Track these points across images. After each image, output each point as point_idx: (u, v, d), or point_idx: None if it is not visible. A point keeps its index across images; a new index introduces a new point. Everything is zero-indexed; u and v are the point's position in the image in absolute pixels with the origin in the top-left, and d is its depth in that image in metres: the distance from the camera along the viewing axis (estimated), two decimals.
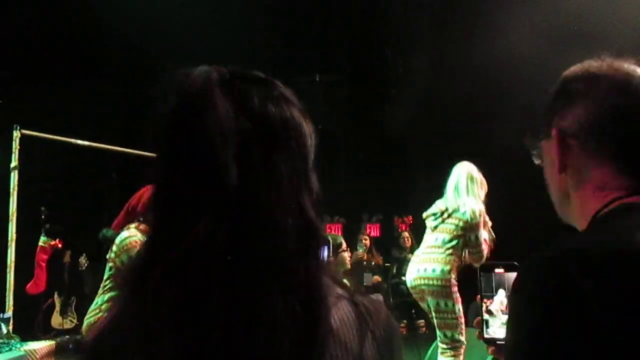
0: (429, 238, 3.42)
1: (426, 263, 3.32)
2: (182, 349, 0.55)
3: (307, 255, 0.60)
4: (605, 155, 0.73)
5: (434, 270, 3.26)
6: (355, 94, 8.85)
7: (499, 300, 0.81)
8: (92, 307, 2.65)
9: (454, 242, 3.27)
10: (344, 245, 3.54)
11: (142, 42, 6.30)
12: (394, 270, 6.83)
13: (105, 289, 2.63)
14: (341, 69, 8.75)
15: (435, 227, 3.37)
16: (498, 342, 0.80)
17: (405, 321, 6.44)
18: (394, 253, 7.05)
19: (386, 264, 6.89)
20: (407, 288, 6.63)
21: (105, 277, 2.65)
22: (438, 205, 3.40)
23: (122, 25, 6.01)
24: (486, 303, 0.81)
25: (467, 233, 3.25)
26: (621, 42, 4.47)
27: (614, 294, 0.57)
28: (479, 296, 0.83)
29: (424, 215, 3.47)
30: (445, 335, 3.25)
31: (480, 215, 3.25)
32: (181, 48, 6.69)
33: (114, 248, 2.57)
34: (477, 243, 3.23)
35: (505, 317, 0.80)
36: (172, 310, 0.55)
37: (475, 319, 0.83)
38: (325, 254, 1.10)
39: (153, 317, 0.55)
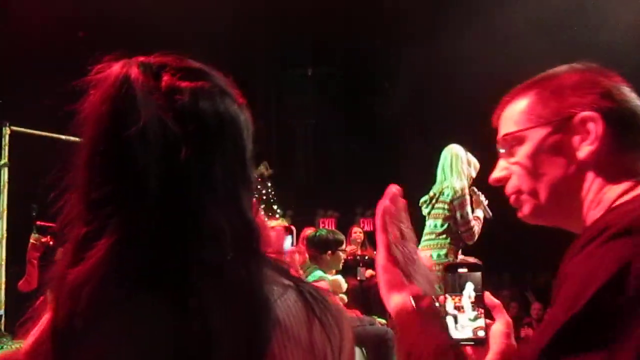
0: (426, 226, 3.46)
1: (424, 250, 3.35)
2: None
3: (245, 253, 0.58)
4: (631, 142, 0.76)
5: (438, 256, 3.29)
6: (349, 87, 8.83)
7: (467, 294, 0.81)
8: None
9: (445, 226, 3.32)
10: (344, 245, 3.53)
11: (132, 37, 6.24)
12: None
13: None
14: (335, 62, 8.73)
15: (429, 214, 3.41)
16: (462, 343, 0.78)
17: None
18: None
19: None
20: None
21: None
22: (431, 192, 3.44)
23: (114, 19, 5.95)
24: (454, 299, 0.80)
25: (454, 212, 3.28)
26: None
27: None
28: (441, 297, 0.82)
29: (420, 203, 3.49)
30: None
31: (462, 192, 3.27)
32: (174, 41, 6.63)
33: None
34: (464, 221, 3.26)
35: (473, 313, 0.79)
36: (92, 322, 0.54)
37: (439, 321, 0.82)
38: (289, 243, 1.09)
39: (71, 323, 0.54)
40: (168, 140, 0.56)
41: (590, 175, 0.77)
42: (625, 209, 0.70)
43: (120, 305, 0.54)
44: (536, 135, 0.80)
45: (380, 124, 8.37)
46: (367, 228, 7.86)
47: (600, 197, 0.76)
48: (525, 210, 0.83)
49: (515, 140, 0.82)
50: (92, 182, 0.57)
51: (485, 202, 3.39)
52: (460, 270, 0.82)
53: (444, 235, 3.31)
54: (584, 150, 0.76)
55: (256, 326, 0.56)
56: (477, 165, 3.43)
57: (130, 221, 0.55)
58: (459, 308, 0.80)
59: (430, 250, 3.34)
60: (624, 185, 0.74)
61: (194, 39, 6.05)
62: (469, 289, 0.81)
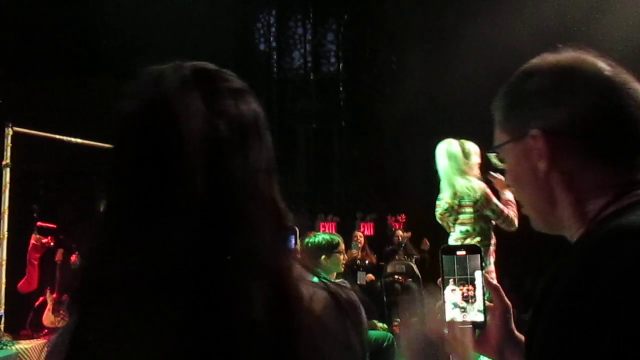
0: (455, 232, 3.29)
1: None
2: (159, 349, 0.54)
3: (280, 246, 0.60)
4: (600, 154, 0.70)
5: None
6: (350, 91, 8.84)
7: (478, 284, 0.79)
8: None
9: (477, 228, 3.18)
10: (342, 246, 3.39)
11: (136, 39, 6.26)
12: (388, 269, 6.84)
13: None
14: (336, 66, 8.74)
15: (455, 221, 3.26)
16: (460, 326, 0.78)
17: (398, 319, 6.46)
18: (387, 252, 7.06)
19: (380, 263, 6.90)
20: (400, 286, 6.68)
21: None
22: (445, 200, 3.26)
23: (117, 22, 5.97)
24: (449, 286, 0.79)
25: (482, 212, 3.15)
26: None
27: None
28: (439, 280, 0.81)
29: (438, 215, 3.32)
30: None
31: (481, 189, 3.12)
32: (175, 45, 6.65)
33: None
34: (497, 214, 3.12)
35: (472, 297, 0.78)
36: (143, 312, 0.54)
37: (437, 303, 0.82)
38: (293, 242, 1.10)
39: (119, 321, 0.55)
40: (217, 140, 0.57)
41: (560, 191, 0.72)
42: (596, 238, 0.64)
43: (166, 300, 0.54)
44: (509, 151, 0.78)
45: (383, 129, 8.38)
46: (367, 232, 7.86)
47: (580, 212, 0.71)
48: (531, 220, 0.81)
49: (500, 153, 0.80)
50: (140, 185, 0.57)
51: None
52: (459, 253, 0.81)
53: (479, 238, 3.18)
54: (540, 167, 0.72)
55: (296, 320, 0.57)
56: (477, 149, 3.24)
57: (179, 222, 0.55)
58: (458, 292, 0.79)
59: None
60: (601, 201, 0.68)
61: (196, 42, 6.06)
62: (468, 272, 0.80)
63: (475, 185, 3.15)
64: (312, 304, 0.60)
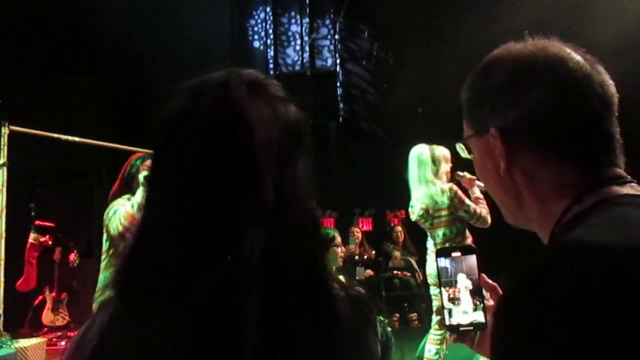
0: (434, 237, 3.38)
1: None
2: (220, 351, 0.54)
3: (319, 255, 0.61)
4: (560, 152, 0.66)
5: None
6: (347, 86, 8.84)
7: (462, 286, 0.79)
8: (99, 285, 2.64)
9: (454, 229, 3.28)
10: (338, 239, 3.45)
11: (131, 37, 6.24)
12: (388, 264, 6.86)
13: (107, 264, 2.61)
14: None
15: (432, 225, 3.34)
16: (461, 329, 0.79)
17: (397, 315, 6.47)
18: (385, 247, 7.07)
19: (379, 258, 6.91)
20: (399, 281, 6.70)
21: (103, 248, 2.63)
22: (418, 205, 3.34)
23: (113, 19, 5.94)
24: (448, 291, 0.79)
25: (456, 213, 3.24)
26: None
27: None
28: (437, 282, 0.81)
29: (415, 219, 3.41)
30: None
31: (452, 190, 3.21)
32: (172, 44, 6.63)
33: (110, 218, 2.55)
34: (470, 214, 3.20)
35: (468, 303, 0.79)
36: (208, 318, 0.55)
37: (437, 306, 0.82)
38: None
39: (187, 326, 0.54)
40: (280, 147, 0.58)
41: (524, 191, 0.70)
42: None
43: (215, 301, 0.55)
44: (474, 145, 0.75)
45: (380, 124, 8.39)
46: (365, 228, 7.87)
47: (545, 213, 0.68)
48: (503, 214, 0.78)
49: (467, 145, 0.77)
50: (210, 189, 0.57)
51: (475, 177, 3.26)
52: (454, 254, 0.81)
53: (459, 239, 3.27)
54: (502, 166, 0.70)
55: (327, 323, 0.58)
56: (446, 154, 3.32)
57: (253, 228, 0.55)
58: (453, 301, 0.79)
59: None
60: (564, 202, 0.65)
61: (193, 42, 6.04)
62: (462, 279, 0.80)
63: (445, 188, 3.23)
64: (337, 307, 0.61)
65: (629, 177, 0.67)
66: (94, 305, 2.69)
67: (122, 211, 2.51)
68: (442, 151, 3.33)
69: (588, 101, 0.66)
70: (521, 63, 0.69)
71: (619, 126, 0.69)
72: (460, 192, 3.24)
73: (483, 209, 3.20)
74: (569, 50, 0.69)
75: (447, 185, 3.25)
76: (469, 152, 0.77)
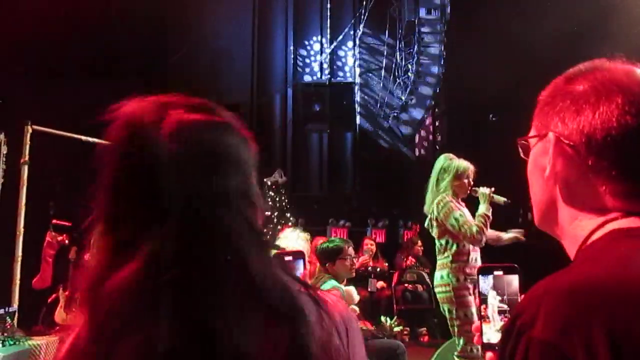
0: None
1: (437, 271, 3.30)
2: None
3: (260, 257, 0.65)
4: (607, 175, 0.66)
5: (441, 277, 3.24)
6: (365, 97, 8.84)
7: (491, 304, 0.79)
8: None
9: (443, 242, 3.26)
10: (347, 252, 3.29)
11: (155, 40, 6.34)
12: (405, 277, 6.79)
13: None
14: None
15: (433, 234, 3.35)
16: (497, 348, 0.78)
17: (408, 328, 6.40)
18: (398, 259, 7.02)
19: (391, 270, 6.86)
20: (411, 295, 6.63)
21: None
22: (428, 215, 3.38)
23: (137, 23, 6.04)
24: (485, 310, 0.80)
25: (446, 227, 3.19)
26: None
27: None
28: (477, 300, 0.82)
29: (426, 226, 3.44)
30: (460, 344, 3.13)
31: (439, 203, 3.19)
32: (195, 50, 6.71)
33: None
34: (456, 230, 3.14)
35: (499, 322, 0.78)
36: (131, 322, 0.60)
37: (474, 325, 0.83)
38: (301, 266, 1.15)
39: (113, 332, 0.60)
40: (179, 167, 0.64)
41: (560, 201, 0.71)
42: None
43: (156, 308, 0.59)
44: (533, 144, 0.76)
45: (397, 136, 8.36)
46: (378, 239, 7.82)
47: (574, 229, 0.69)
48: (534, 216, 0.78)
49: (525, 144, 0.77)
50: (120, 203, 0.66)
51: (492, 191, 3.22)
52: (496, 272, 0.80)
53: (447, 254, 3.23)
54: (547, 172, 0.71)
55: (294, 323, 0.62)
56: (463, 167, 3.28)
57: (158, 234, 0.62)
58: (484, 318, 0.79)
59: (439, 271, 3.25)
60: (593, 223, 0.67)
61: (221, 43, 6.10)
62: (492, 297, 0.80)
63: (438, 199, 3.22)
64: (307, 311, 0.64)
65: None
66: None
67: None
68: (460, 164, 3.29)
69: None
70: (599, 81, 0.69)
71: None
72: (451, 205, 3.18)
73: (473, 227, 3.11)
74: None
75: (440, 197, 3.23)
76: (525, 154, 0.77)
